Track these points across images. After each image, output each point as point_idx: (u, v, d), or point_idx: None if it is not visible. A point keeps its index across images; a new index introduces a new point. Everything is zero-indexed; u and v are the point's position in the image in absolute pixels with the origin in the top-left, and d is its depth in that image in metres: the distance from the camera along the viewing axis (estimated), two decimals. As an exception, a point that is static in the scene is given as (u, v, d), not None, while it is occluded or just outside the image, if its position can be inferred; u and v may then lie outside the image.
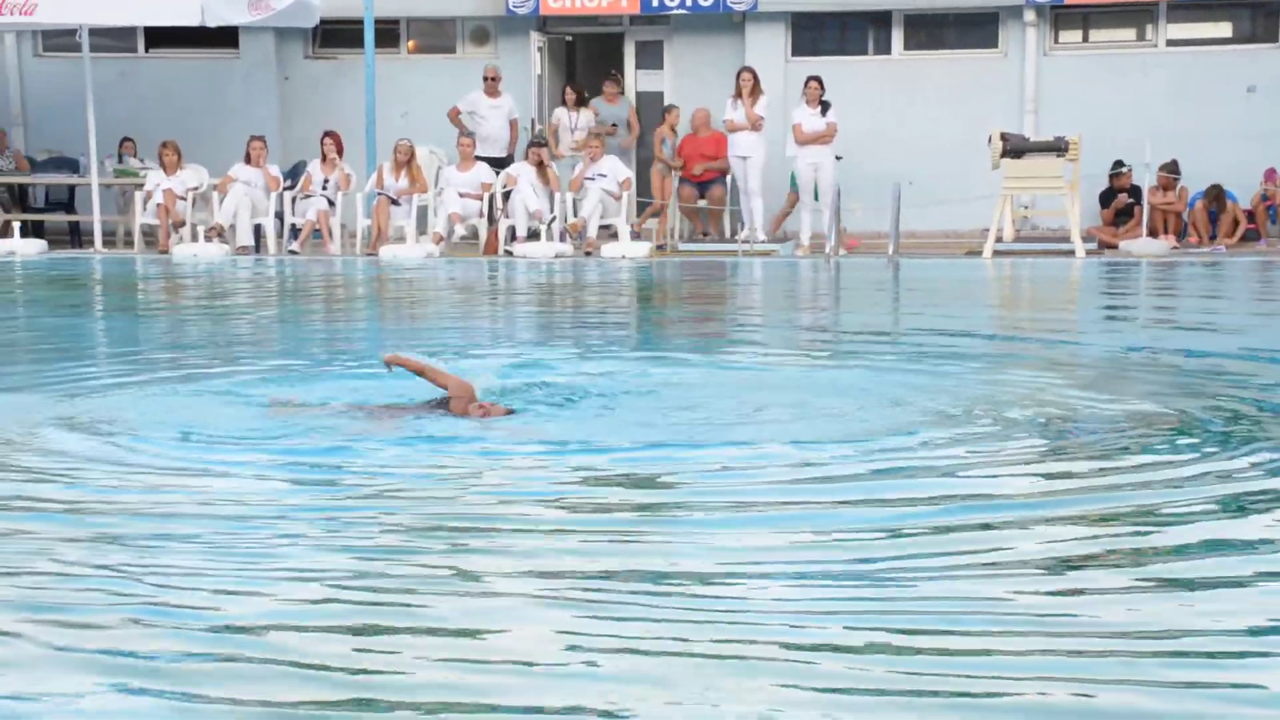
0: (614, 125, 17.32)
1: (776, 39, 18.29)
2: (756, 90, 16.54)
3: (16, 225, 16.25)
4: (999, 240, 15.76)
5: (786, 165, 16.77)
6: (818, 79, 16.49)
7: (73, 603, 3.75)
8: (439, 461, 5.48)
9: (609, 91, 17.51)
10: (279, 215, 16.57)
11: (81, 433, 6.03)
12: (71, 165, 17.32)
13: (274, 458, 5.54)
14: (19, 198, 17.64)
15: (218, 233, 16.11)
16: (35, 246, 16.21)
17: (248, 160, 16.38)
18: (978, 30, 18.29)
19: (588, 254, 15.95)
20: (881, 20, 18.43)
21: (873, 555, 4.05)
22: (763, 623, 3.44)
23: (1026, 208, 17.41)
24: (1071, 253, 15.50)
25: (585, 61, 20.05)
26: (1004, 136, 15.65)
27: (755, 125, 16.50)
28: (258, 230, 16.42)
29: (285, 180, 16.68)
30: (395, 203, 16.27)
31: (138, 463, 5.45)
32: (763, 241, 16.51)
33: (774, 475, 5.11)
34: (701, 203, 17.10)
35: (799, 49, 18.43)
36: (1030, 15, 17.85)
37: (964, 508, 4.58)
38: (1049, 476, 5.05)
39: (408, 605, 3.65)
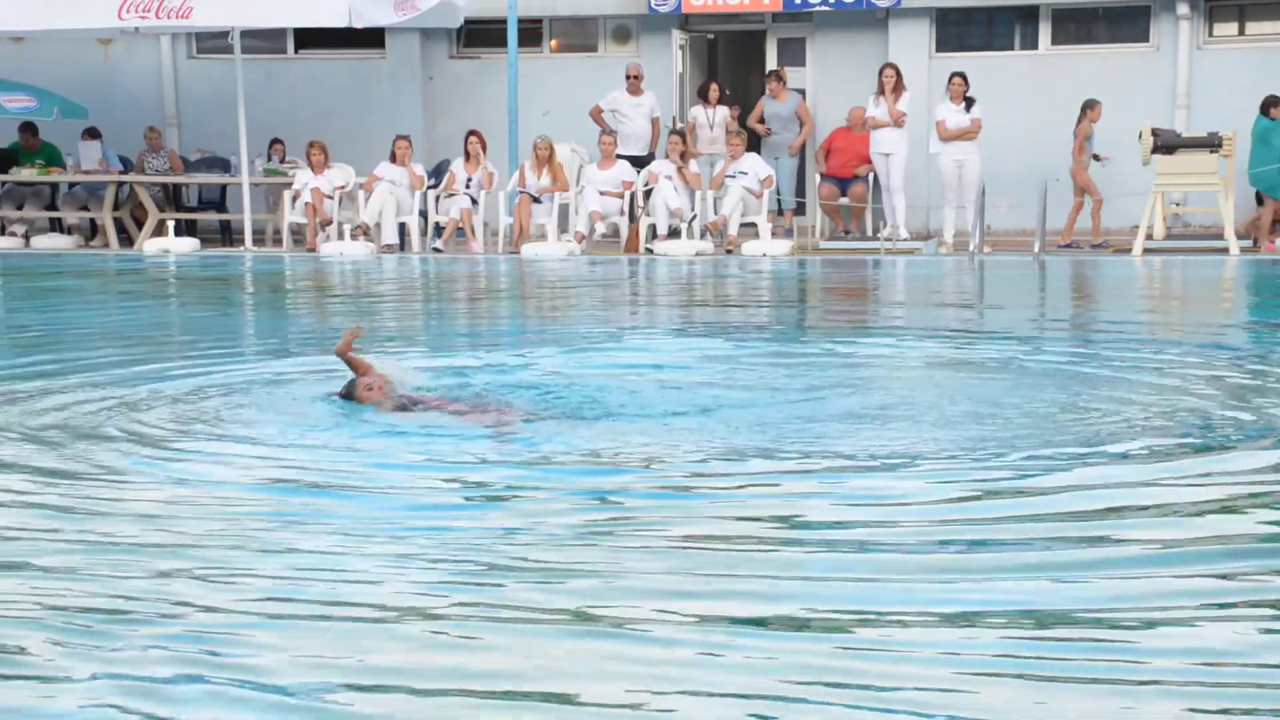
0: (766, 125, 17.23)
1: (920, 35, 18.08)
2: (899, 87, 16.37)
3: (170, 224, 16.64)
4: (1149, 238, 15.41)
5: (930, 162, 16.57)
6: (961, 75, 16.28)
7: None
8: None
9: (774, 88, 17.42)
10: (423, 214, 16.76)
11: (235, 425, 6.15)
12: (223, 165, 17.69)
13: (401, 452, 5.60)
14: (173, 197, 18.06)
15: (363, 231, 16.35)
16: (188, 245, 16.59)
17: (393, 159, 16.59)
18: (1128, 24, 17.90)
19: (728, 252, 15.91)
20: (1029, 15, 18.12)
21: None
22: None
23: (1178, 205, 16.99)
24: (1225, 250, 15.10)
25: (726, 59, 20.00)
26: (1155, 132, 15.30)
27: (898, 122, 16.33)
28: (402, 228, 16.62)
29: (429, 179, 16.88)
30: (537, 201, 16.37)
31: (287, 458, 5.53)
32: (905, 239, 16.33)
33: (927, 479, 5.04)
34: (843, 200, 16.96)
35: (943, 45, 18.20)
36: (1184, 8, 17.42)
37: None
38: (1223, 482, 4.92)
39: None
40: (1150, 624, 3.42)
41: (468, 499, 5.04)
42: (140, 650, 3.44)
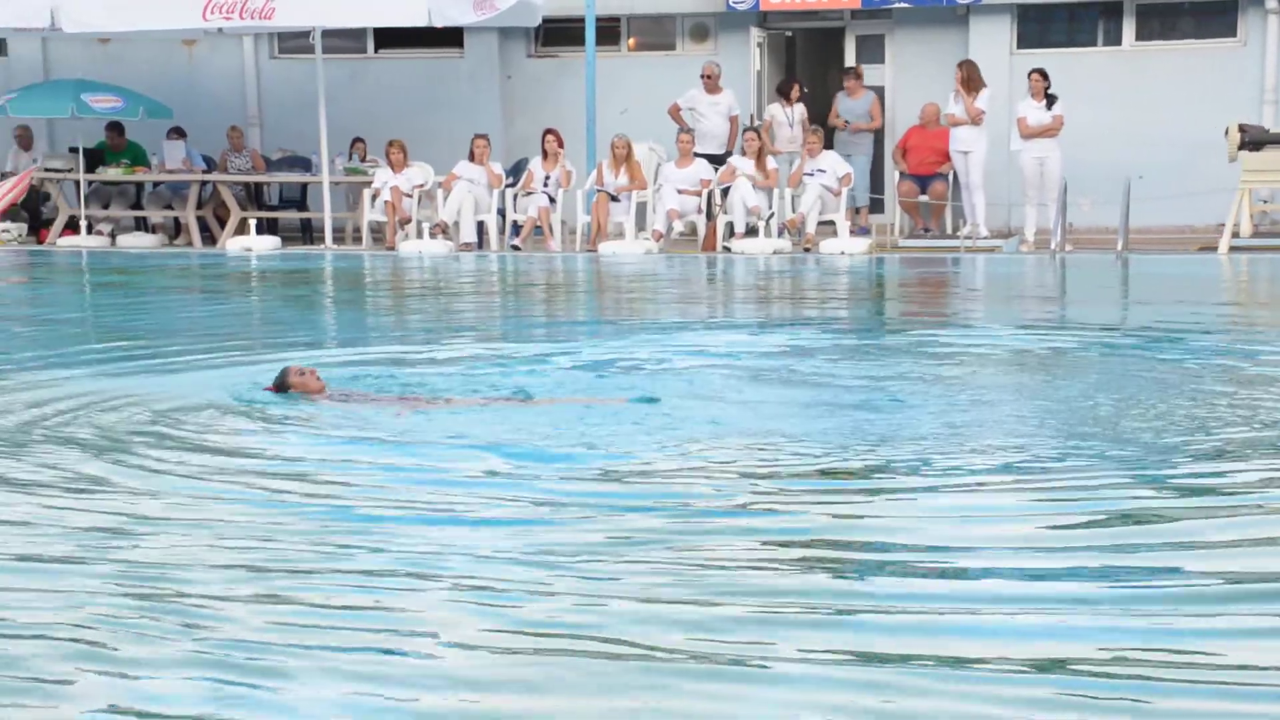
0: (845, 121, 17.14)
1: (1001, 31, 17.90)
2: (977, 84, 16.22)
3: (252, 223, 16.81)
4: (1235, 235, 15.16)
5: (1011, 160, 16.40)
6: (1041, 71, 16.09)
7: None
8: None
9: (851, 85, 17.32)
10: (501, 212, 16.82)
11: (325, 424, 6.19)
12: (304, 164, 17.84)
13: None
14: (255, 196, 18.24)
15: (442, 229, 16.43)
16: (269, 243, 16.75)
17: (471, 158, 16.66)
18: (1215, 19, 17.62)
19: (806, 250, 15.83)
20: (1112, 10, 17.89)
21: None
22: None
23: (1266, 202, 16.70)
24: (1314, 249, 14.83)
25: (805, 57, 19.90)
26: (1242, 128, 15.04)
27: (976, 119, 16.18)
28: (480, 227, 16.69)
29: (507, 177, 16.93)
30: (615, 199, 16.37)
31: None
32: (985, 237, 16.18)
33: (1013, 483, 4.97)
34: (922, 198, 16.83)
35: (1025, 41, 18.00)
36: (1273, 3, 17.11)
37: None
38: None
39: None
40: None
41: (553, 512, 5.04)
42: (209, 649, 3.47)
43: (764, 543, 4.26)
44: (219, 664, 3.32)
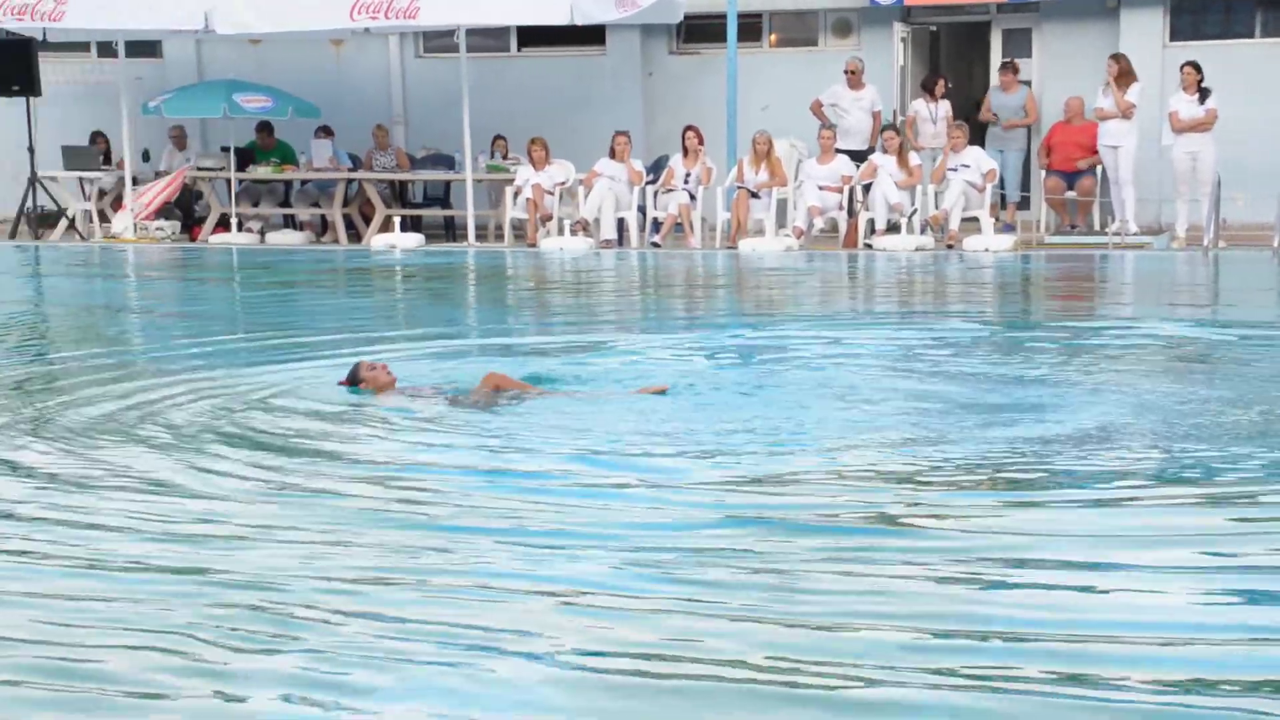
0: (995, 115, 16.88)
1: (1153, 23, 17.48)
2: (1128, 77, 15.86)
3: (396, 220, 17.04)
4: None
5: (1162, 155, 16.01)
6: (1193, 64, 15.68)
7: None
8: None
9: (1005, 80, 17.04)
10: (641, 209, 16.84)
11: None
12: (448, 162, 18.03)
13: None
14: (399, 194, 18.48)
15: (583, 226, 16.49)
16: (413, 240, 16.96)
17: (612, 155, 16.70)
18: (1378, 7, 17.04)
19: (949, 247, 15.61)
20: (1270, 1, 17.36)
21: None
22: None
23: None
24: None
25: (949, 52, 19.64)
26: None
27: (1126, 113, 15.82)
28: (621, 224, 16.72)
29: (648, 174, 16.95)
30: (755, 196, 16.30)
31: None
32: (1135, 234, 15.81)
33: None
34: (1070, 194, 16.50)
35: (1177, 33, 17.56)
36: None
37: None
38: None
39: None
40: None
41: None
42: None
43: (902, 559, 4.15)
44: (307, 674, 3.31)
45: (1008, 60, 17.58)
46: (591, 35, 18.76)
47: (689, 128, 16.71)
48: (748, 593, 3.80)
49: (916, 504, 4.81)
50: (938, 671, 3.20)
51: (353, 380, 6.87)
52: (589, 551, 4.20)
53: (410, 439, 5.94)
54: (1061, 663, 3.29)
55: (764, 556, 4.12)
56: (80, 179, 18.58)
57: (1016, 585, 3.91)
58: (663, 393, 6.82)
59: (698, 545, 4.23)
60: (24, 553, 4.48)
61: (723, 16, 17.22)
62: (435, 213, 18.44)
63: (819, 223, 16.31)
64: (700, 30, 18.80)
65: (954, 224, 15.77)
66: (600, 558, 4.14)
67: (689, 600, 3.73)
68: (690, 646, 3.40)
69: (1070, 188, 16.47)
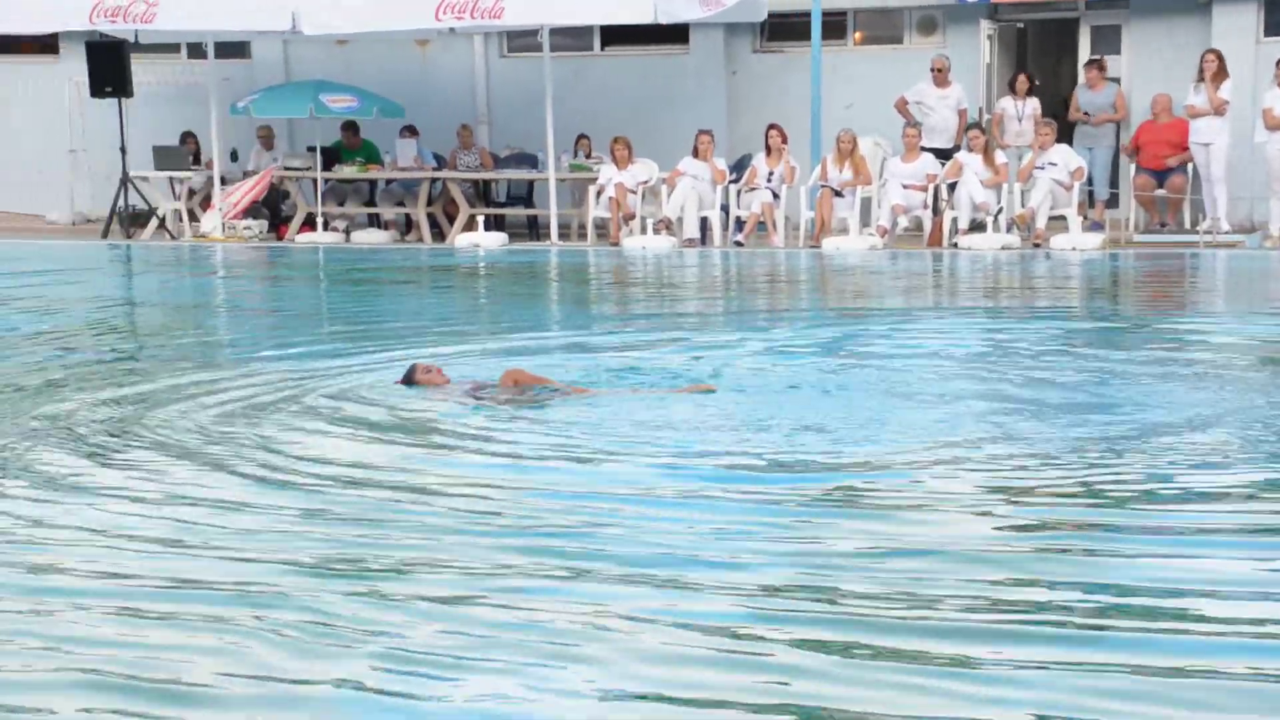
0: (1086, 114, 16.66)
1: (1246, 18, 17.17)
2: (1221, 73, 15.60)
3: (480, 219, 17.12)
4: None
5: (1255, 152, 15.73)
6: (1291, 59, 15.40)
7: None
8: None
9: (1092, 77, 16.82)
10: (724, 208, 16.80)
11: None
12: (531, 161, 18.09)
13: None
14: (483, 193, 18.56)
15: (665, 225, 16.48)
16: (497, 239, 17.03)
17: (695, 154, 16.67)
18: None
19: (1036, 245, 15.43)
20: (1368, -6, 17.01)
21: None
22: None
23: None
24: None
25: (1036, 49, 19.42)
26: None
27: (1219, 110, 15.56)
28: (704, 223, 16.69)
29: (731, 173, 16.90)
30: (839, 194, 16.21)
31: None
32: (1227, 232, 15.54)
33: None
34: (1159, 192, 16.26)
35: (1271, 28, 17.23)
36: None
37: None
38: None
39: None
40: None
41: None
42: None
43: (981, 576, 4.08)
44: (377, 675, 3.31)
45: (1096, 57, 17.35)
46: (675, 34, 18.74)
47: (772, 126, 16.65)
48: (813, 610, 3.74)
49: (1008, 518, 4.74)
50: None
51: (408, 380, 7.02)
52: (656, 563, 4.17)
53: (461, 443, 5.92)
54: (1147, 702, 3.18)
55: (832, 571, 4.06)
56: (170, 179, 18.85)
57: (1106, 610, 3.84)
58: (710, 392, 6.82)
59: (766, 553, 4.20)
60: (110, 532, 4.55)
61: (807, 14, 17.15)
62: (519, 212, 18.51)
63: (903, 221, 16.19)
64: (784, 28, 18.73)
65: (1040, 222, 15.58)
66: (666, 566, 4.12)
67: (753, 618, 3.68)
68: (757, 673, 3.35)
69: (1160, 185, 16.23)
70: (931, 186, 16.09)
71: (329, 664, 3.36)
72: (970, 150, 15.92)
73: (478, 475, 5.24)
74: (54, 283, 14.26)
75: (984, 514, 4.63)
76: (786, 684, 3.17)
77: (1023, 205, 15.79)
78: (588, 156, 17.91)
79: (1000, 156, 16.01)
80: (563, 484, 5.12)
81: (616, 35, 19.23)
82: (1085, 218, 15.96)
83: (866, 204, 16.36)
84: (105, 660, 3.45)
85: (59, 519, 4.80)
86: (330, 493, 5.07)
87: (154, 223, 18.34)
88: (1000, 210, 15.72)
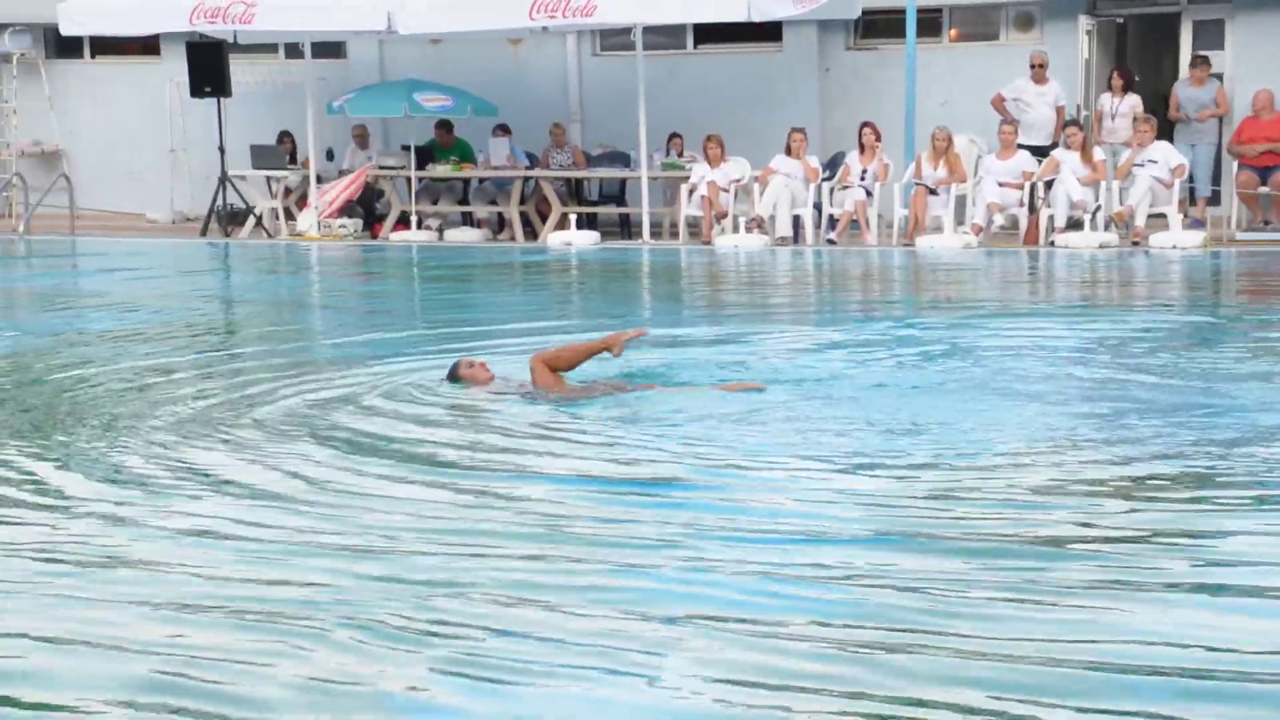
0: (1187, 115, 16.36)
1: (1354, 12, 16.79)
2: (1333, 69, 15.27)
3: (573, 218, 17.15)
4: None
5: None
6: (1402, 54, 15.03)
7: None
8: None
9: (1196, 73, 16.53)
10: (817, 206, 16.70)
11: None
12: (623, 160, 18.09)
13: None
14: (575, 191, 18.59)
15: (758, 224, 16.42)
16: (589, 238, 17.05)
17: (788, 152, 16.59)
18: None
19: (1135, 244, 15.18)
20: None
21: None
22: None
23: None
24: None
25: (1136, 44, 19.11)
26: None
27: (1326, 106, 15.23)
28: (796, 221, 16.61)
29: (824, 171, 16.80)
30: (933, 192, 16.06)
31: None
32: (1333, 231, 15.20)
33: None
34: (1263, 189, 15.93)
35: (1380, 22, 16.83)
36: None
37: None
38: None
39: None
40: None
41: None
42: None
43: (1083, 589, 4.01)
44: (443, 681, 3.30)
45: (1198, 53, 17.03)
46: (768, 32, 18.66)
47: (866, 124, 16.53)
48: (900, 618, 3.67)
49: (1099, 518, 4.65)
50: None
51: (453, 377, 7.08)
52: (723, 563, 4.13)
53: (515, 444, 5.89)
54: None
55: (919, 577, 3.99)
56: (267, 178, 19.07)
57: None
58: (759, 390, 6.78)
59: (845, 561, 4.13)
60: (204, 531, 4.59)
61: (901, 11, 17.00)
62: (611, 210, 18.52)
63: (999, 219, 16.00)
64: (878, 25, 18.59)
65: (1140, 220, 15.32)
66: (735, 569, 4.07)
67: (835, 624, 3.62)
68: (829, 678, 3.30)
69: (1263, 182, 15.90)
70: (1028, 184, 15.89)
71: (390, 668, 3.35)
72: (1068, 147, 15.70)
73: (539, 480, 5.21)
74: (153, 280, 14.49)
75: (1086, 517, 4.55)
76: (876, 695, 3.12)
77: (1121, 203, 15.55)
78: (680, 155, 17.87)
79: (1099, 154, 15.77)
80: (626, 488, 5.07)
81: (710, 33, 19.17)
82: (1186, 215, 15.68)
83: (961, 202, 16.18)
84: (161, 662, 3.46)
85: (144, 519, 4.85)
86: (393, 496, 5.07)
87: (251, 221, 18.56)
88: (1098, 208, 15.48)
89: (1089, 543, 4.25)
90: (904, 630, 3.48)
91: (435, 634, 3.58)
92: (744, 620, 3.58)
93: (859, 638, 3.43)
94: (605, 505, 4.84)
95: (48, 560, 4.39)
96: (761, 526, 4.50)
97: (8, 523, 4.84)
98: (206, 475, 5.47)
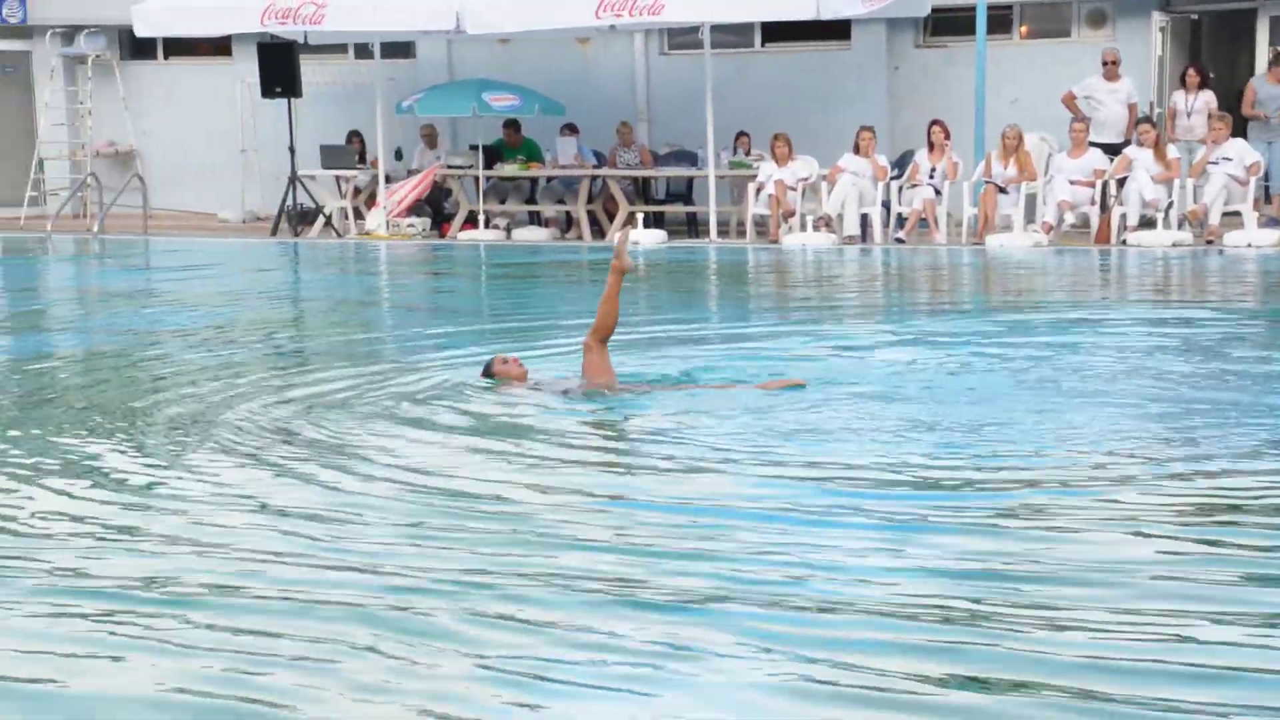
0: (1266, 115, 16.11)
1: None
2: None
3: (640, 216, 17.14)
4: None
5: None
6: None
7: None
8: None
9: (1276, 72, 16.27)
10: (886, 204, 16.60)
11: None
12: (690, 159, 18.07)
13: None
14: (642, 190, 18.59)
15: (826, 222, 16.34)
16: (656, 237, 17.03)
17: (856, 150, 16.51)
18: None
19: (1209, 242, 14.98)
20: None
21: None
22: None
23: None
24: None
25: (1211, 41, 18.86)
26: None
27: (1406, 102, 14.96)
28: (865, 219, 16.52)
29: (893, 170, 16.70)
30: (1003, 191, 15.92)
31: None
32: None
33: None
34: (1341, 188, 15.68)
35: None
36: None
37: None
38: None
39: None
40: None
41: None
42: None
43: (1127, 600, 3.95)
44: (502, 678, 3.29)
45: (1276, 49, 16.77)
46: (836, 30, 18.58)
47: (935, 122, 16.42)
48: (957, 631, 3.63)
49: (1179, 527, 4.58)
50: None
51: (487, 373, 7.09)
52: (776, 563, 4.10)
53: (549, 449, 5.85)
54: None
55: (975, 584, 3.95)
56: (337, 177, 19.20)
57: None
58: (800, 387, 6.73)
59: (903, 567, 4.09)
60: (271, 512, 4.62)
61: (971, 9, 16.87)
62: (678, 209, 18.49)
63: (1069, 218, 15.83)
64: (947, 23, 18.45)
65: (1214, 219, 15.12)
66: (791, 570, 4.04)
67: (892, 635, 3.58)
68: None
69: (1343, 181, 15.64)
70: (1099, 182, 15.71)
71: (417, 681, 3.34)
72: (1141, 145, 15.51)
73: (572, 483, 5.18)
74: (224, 279, 14.63)
75: (1153, 525, 4.49)
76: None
77: (1195, 201, 15.34)
78: (747, 153, 17.82)
79: (1173, 151, 15.57)
80: (667, 492, 5.02)
81: (778, 32, 19.11)
82: (1261, 214, 15.45)
83: (1031, 200, 16.03)
84: (200, 670, 3.48)
85: (201, 516, 4.90)
86: (431, 503, 5.07)
87: (321, 221, 18.69)
88: (1171, 206, 15.29)
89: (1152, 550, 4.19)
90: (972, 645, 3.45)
91: (481, 637, 3.57)
92: (800, 623, 3.55)
93: (914, 645, 3.40)
94: (630, 510, 4.83)
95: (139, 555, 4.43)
96: (818, 534, 4.47)
97: (96, 540, 4.85)
98: (277, 468, 5.51)
